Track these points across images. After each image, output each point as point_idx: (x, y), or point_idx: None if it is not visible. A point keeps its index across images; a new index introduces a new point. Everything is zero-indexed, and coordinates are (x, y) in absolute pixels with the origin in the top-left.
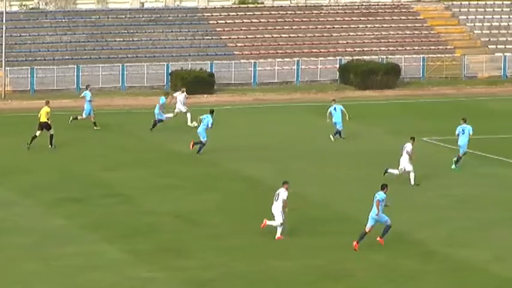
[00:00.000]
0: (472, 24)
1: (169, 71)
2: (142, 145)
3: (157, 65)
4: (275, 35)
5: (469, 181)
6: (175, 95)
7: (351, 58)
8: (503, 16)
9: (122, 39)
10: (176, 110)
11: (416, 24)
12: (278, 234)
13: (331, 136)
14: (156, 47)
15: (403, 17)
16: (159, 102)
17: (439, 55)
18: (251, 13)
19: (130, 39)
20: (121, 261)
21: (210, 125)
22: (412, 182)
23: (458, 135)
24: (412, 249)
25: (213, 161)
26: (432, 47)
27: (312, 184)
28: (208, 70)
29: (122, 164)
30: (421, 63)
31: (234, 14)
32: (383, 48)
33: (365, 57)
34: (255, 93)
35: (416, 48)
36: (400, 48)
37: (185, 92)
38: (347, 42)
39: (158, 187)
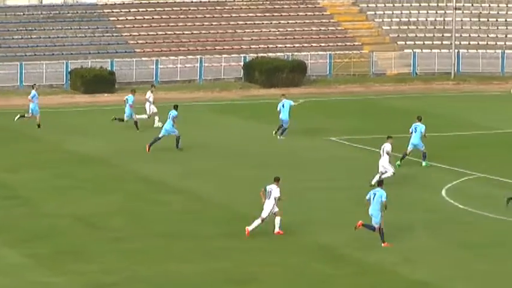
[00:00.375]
0: (381, 20)
1: (69, 69)
2: (40, 146)
3: (57, 63)
4: (177, 32)
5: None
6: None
7: (255, 55)
8: (412, 11)
9: (20, 37)
10: (149, 112)
11: (323, 20)
12: (250, 227)
13: (273, 132)
14: (55, 45)
15: (309, 13)
16: (127, 102)
17: (347, 52)
18: (153, 9)
19: (29, 36)
20: (21, 266)
21: (174, 119)
22: (374, 181)
23: (411, 133)
24: (321, 252)
25: (114, 162)
26: (339, 44)
27: (215, 184)
28: (109, 68)
29: (19, 165)
30: (328, 60)
31: (135, 10)
32: (288, 45)
33: (270, 54)
34: (157, 92)
35: (323, 44)
36: (306, 44)
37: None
38: (251, 39)
39: (57, 188)
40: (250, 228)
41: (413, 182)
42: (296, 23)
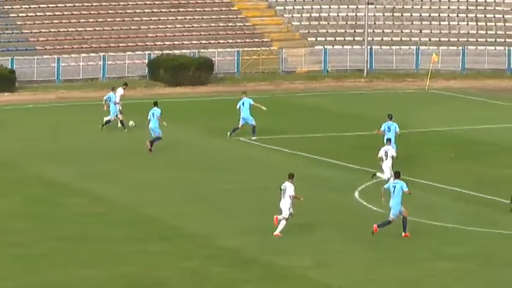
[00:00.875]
0: (290, 16)
1: None
2: None
3: None
4: (80, 29)
5: None
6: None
7: (160, 53)
8: (323, 6)
9: None
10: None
11: (230, 16)
12: (277, 231)
13: (228, 134)
14: None
15: (215, 8)
16: (108, 101)
17: (255, 48)
18: (54, 5)
19: None
20: None
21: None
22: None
23: (384, 132)
24: (229, 256)
25: (13, 163)
26: (247, 40)
27: (118, 187)
28: (9, 66)
29: None
30: (236, 58)
31: (36, 6)
32: (195, 42)
33: (175, 51)
34: (58, 91)
35: (231, 41)
36: (213, 41)
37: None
38: (156, 36)
39: None
40: (278, 232)
41: (326, 183)
42: (203, 18)
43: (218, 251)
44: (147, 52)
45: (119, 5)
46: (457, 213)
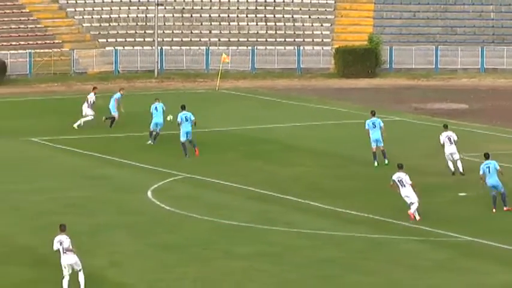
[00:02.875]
0: (81, 17)
1: None
2: None
3: None
4: None
5: (81, 183)
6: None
7: None
8: (113, 8)
9: None
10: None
11: (22, 18)
12: (412, 211)
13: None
14: None
15: (7, 10)
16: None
17: (47, 50)
18: None
19: None
20: None
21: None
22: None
23: (368, 129)
24: (23, 254)
25: None
26: (39, 42)
27: None
28: None
29: None
30: (28, 59)
31: None
32: None
33: None
34: None
35: (23, 43)
36: (5, 43)
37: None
38: None
39: None
40: (418, 217)
41: (117, 183)
42: None
43: (13, 250)
44: None
45: None
46: (249, 212)
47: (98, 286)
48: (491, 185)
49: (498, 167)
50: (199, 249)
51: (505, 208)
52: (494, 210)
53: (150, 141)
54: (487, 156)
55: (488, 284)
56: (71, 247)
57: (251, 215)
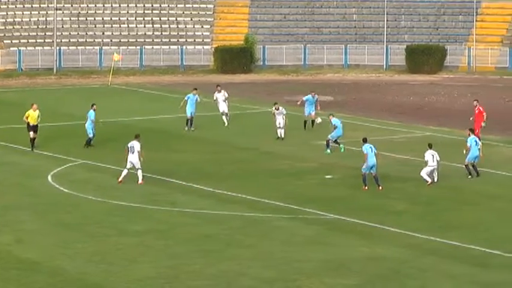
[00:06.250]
0: None
1: None
2: None
3: None
4: None
5: None
6: None
7: None
8: (17, 12)
9: None
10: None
11: None
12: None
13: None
14: None
15: None
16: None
17: None
18: None
19: None
20: None
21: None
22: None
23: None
24: None
25: None
26: None
27: None
28: None
29: None
30: None
31: None
32: None
33: None
34: None
35: None
36: None
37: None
38: None
39: None
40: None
41: (21, 169)
42: None
43: None
44: None
45: None
46: (139, 193)
47: (4, 261)
48: (372, 164)
49: (376, 150)
50: (95, 227)
51: (380, 188)
52: (366, 187)
53: (186, 128)
54: (365, 140)
55: (352, 256)
56: None
57: (140, 197)
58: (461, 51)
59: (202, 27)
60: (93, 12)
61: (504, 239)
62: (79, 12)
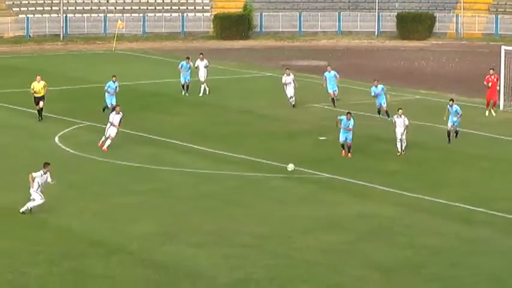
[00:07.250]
0: None
1: None
2: None
3: None
4: None
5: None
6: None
7: None
8: None
9: None
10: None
11: None
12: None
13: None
14: None
15: None
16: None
17: None
18: None
19: None
20: None
21: None
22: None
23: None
24: None
25: None
26: None
27: None
28: None
29: None
30: None
31: None
32: None
33: None
34: None
35: None
36: None
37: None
38: None
39: None
40: None
41: (29, 131)
42: None
43: None
44: None
45: None
46: (141, 154)
47: (13, 219)
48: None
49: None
50: (100, 187)
51: (349, 155)
52: (344, 154)
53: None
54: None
55: (344, 213)
56: None
57: (143, 157)
58: (449, 18)
59: None
60: None
61: (488, 198)
62: None
